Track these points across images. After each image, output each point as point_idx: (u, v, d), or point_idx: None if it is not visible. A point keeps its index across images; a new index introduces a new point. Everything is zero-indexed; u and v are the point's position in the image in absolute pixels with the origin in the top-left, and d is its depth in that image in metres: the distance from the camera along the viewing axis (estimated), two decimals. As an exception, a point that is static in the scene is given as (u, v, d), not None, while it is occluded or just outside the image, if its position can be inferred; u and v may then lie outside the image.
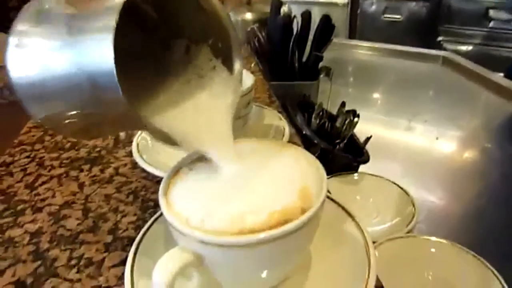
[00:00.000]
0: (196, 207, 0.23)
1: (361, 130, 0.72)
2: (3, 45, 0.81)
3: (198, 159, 0.28)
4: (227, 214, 0.22)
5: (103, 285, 0.31)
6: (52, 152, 0.50)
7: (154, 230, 0.32)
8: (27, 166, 0.47)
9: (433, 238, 0.47)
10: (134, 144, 0.44)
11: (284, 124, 0.47)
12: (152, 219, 0.32)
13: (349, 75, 1.33)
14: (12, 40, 0.25)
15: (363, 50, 1.36)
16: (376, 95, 1.20)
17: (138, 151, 0.43)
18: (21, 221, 0.38)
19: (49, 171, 0.46)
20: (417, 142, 0.94)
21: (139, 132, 0.47)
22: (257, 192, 0.23)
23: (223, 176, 0.25)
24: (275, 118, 0.49)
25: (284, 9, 0.94)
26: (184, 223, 0.22)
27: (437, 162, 0.84)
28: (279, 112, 0.51)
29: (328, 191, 0.37)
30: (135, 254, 0.29)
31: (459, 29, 1.82)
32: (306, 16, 0.84)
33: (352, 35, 2.15)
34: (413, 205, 0.57)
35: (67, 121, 0.27)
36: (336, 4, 2.14)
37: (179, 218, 0.23)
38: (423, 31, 1.92)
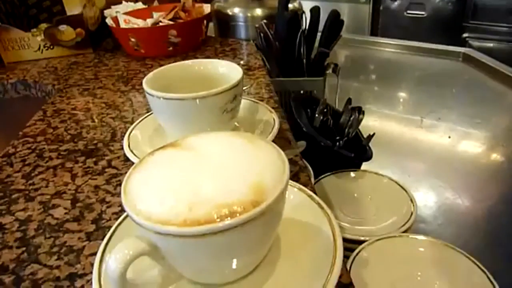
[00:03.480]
0: (148, 196, 0.23)
1: (375, 126, 0.69)
2: (20, 42, 0.83)
3: (163, 147, 0.28)
4: (175, 204, 0.22)
5: (79, 272, 0.32)
6: (52, 144, 0.52)
7: (129, 220, 0.33)
8: (27, 157, 0.49)
9: (423, 237, 0.45)
10: (125, 138, 0.45)
11: (275, 117, 0.47)
12: (128, 210, 0.33)
13: (370, 72, 1.32)
14: None
15: (384, 47, 1.34)
16: (395, 93, 1.18)
17: (129, 146, 0.44)
18: (13, 209, 0.40)
19: (46, 162, 0.48)
20: (431, 140, 0.91)
21: (131, 127, 0.48)
22: (210, 184, 0.23)
23: (180, 166, 0.25)
24: (266, 113, 0.48)
25: (294, 5, 0.93)
26: (136, 212, 0.23)
27: (451, 161, 0.82)
28: (274, 107, 0.51)
29: (314, 190, 0.37)
30: (106, 244, 0.30)
31: (485, 25, 1.75)
32: (315, 12, 0.83)
33: (374, 31, 2.11)
34: (413, 204, 0.55)
35: None
36: (358, 1, 2.10)
37: (133, 206, 0.23)
38: (448, 28, 1.86)
